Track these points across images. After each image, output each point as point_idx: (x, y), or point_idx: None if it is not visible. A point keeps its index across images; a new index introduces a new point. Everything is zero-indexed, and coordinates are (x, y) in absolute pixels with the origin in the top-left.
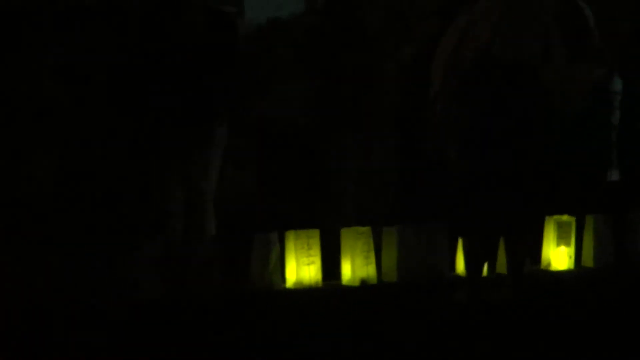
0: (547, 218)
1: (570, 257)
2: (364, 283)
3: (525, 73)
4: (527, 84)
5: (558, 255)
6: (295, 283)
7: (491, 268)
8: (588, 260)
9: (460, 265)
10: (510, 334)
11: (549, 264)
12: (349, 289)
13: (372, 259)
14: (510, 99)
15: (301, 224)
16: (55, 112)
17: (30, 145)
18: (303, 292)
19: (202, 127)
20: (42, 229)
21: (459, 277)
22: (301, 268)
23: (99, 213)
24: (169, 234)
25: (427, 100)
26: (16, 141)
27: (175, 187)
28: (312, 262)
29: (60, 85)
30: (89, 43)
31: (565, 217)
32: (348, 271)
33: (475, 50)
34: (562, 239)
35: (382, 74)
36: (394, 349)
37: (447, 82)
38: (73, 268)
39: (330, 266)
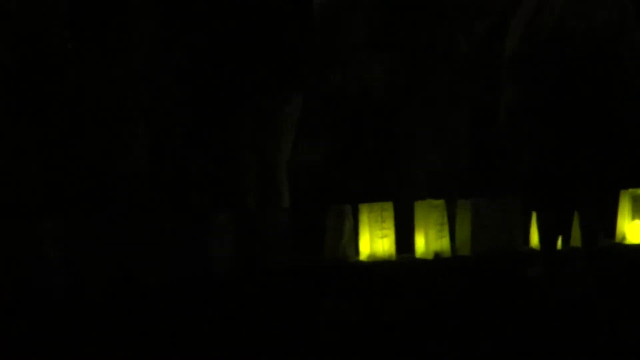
0: (622, 191)
1: None
2: (437, 256)
3: (600, 45)
4: (601, 56)
5: (633, 229)
6: (369, 256)
7: (565, 242)
8: None
9: (534, 239)
10: (584, 307)
11: (624, 238)
12: (423, 262)
13: (446, 232)
14: (584, 71)
15: (375, 196)
16: (147, 91)
17: (127, 123)
18: (377, 264)
19: (275, 98)
20: (134, 205)
21: (533, 250)
22: (375, 241)
23: (177, 188)
24: (243, 207)
25: (499, 69)
26: (116, 124)
27: (250, 159)
28: (386, 235)
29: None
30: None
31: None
32: (422, 244)
33: (550, 22)
34: (637, 213)
35: (456, 47)
36: (468, 322)
37: (522, 52)
38: (151, 242)
39: (404, 239)
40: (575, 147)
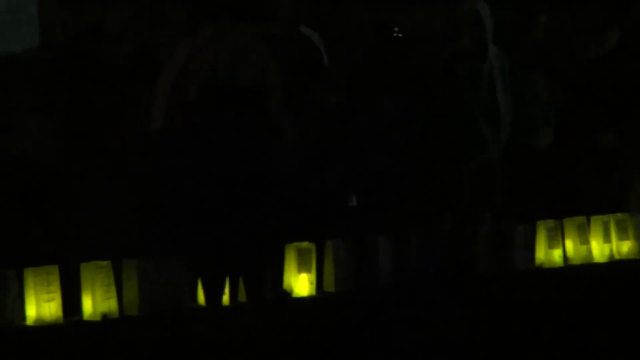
0: (288, 245)
1: (311, 283)
2: (105, 317)
3: (249, 98)
4: (251, 109)
5: (299, 282)
6: (36, 320)
7: (232, 297)
8: (329, 285)
9: (201, 296)
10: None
11: (291, 291)
12: (91, 324)
13: (114, 293)
14: (237, 124)
15: (41, 259)
16: None
17: None
18: (44, 329)
19: None
20: None
21: (200, 307)
22: (41, 305)
23: None
24: None
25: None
26: None
27: None
28: (53, 299)
29: None
30: None
31: (305, 244)
32: (89, 306)
33: (199, 80)
34: (302, 266)
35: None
36: None
37: (171, 117)
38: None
39: (72, 302)
40: (232, 206)
